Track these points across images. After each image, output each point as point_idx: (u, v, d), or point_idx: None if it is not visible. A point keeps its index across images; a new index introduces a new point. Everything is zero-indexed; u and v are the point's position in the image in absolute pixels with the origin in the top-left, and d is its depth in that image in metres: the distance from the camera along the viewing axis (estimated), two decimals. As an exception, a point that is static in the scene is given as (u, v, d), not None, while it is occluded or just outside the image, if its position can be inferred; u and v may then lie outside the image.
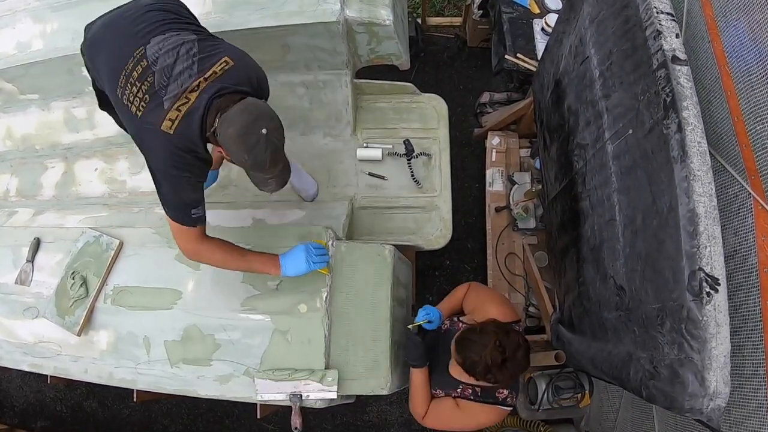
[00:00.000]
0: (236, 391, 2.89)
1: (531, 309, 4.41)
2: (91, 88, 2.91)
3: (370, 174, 3.79)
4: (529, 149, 4.79)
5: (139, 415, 5.32)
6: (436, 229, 3.75)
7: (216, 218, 3.42)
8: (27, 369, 3.19)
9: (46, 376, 3.31)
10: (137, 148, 2.49)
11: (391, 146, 3.82)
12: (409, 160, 3.78)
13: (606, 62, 2.72)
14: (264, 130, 2.27)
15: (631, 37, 2.45)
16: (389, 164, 3.82)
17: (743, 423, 2.24)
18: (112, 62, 2.50)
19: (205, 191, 2.57)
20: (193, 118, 2.34)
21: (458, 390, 2.86)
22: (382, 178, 3.79)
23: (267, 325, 2.89)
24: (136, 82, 2.39)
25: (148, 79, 2.37)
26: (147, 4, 2.60)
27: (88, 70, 2.77)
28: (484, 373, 2.50)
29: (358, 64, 3.68)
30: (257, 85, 2.53)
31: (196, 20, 2.75)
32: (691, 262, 1.95)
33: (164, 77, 2.36)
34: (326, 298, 2.88)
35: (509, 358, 2.48)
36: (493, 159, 4.74)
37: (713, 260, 1.90)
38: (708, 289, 1.89)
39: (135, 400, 3.46)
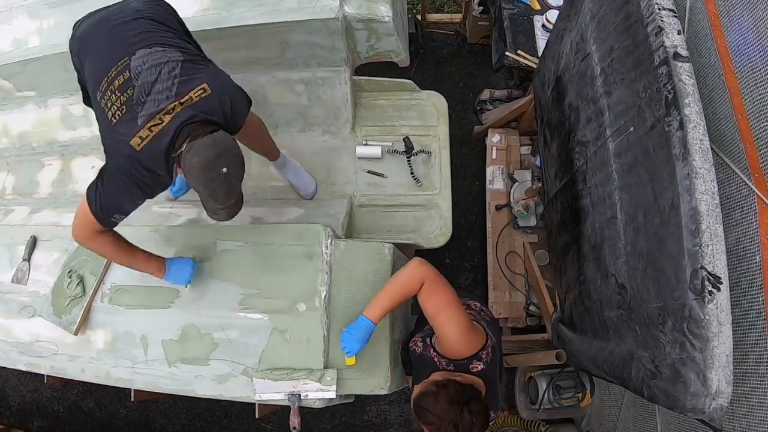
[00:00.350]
0: (234, 390, 2.88)
1: (531, 308, 4.41)
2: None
3: (369, 172, 3.78)
4: (530, 147, 4.79)
5: (136, 414, 5.32)
6: (435, 228, 3.75)
7: (215, 216, 3.42)
8: (23, 368, 3.18)
9: (43, 375, 3.31)
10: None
11: (390, 144, 3.81)
12: (408, 157, 3.78)
13: (607, 59, 2.72)
14: (225, 169, 2.32)
15: (632, 33, 2.45)
16: (389, 162, 3.81)
17: (747, 423, 2.24)
18: (96, 66, 2.56)
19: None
20: (162, 141, 2.37)
21: None
22: (382, 175, 3.78)
23: (265, 324, 2.89)
24: (117, 91, 2.43)
25: (128, 92, 2.41)
26: (137, 10, 2.63)
27: (75, 66, 2.79)
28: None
29: (357, 61, 3.68)
30: (231, 117, 2.54)
31: (185, 30, 2.80)
32: (693, 260, 1.95)
33: (143, 93, 2.40)
34: (325, 297, 2.87)
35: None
36: (494, 157, 4.74)
37: (715, 258, 1.90)
38: (710, 288, 1.89)
39: (132, 399, 3.46)
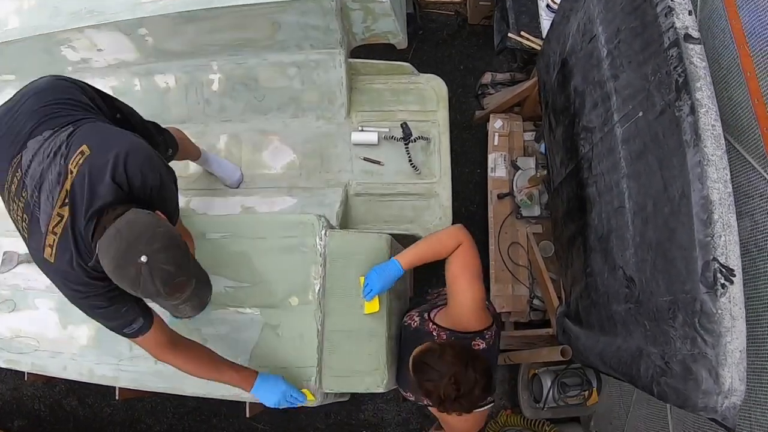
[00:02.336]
0: (224, 388, 2.89)
1: (535, 302, 4.42)
2: (71, 69, 2.87)
3: (365, 159, 3.78)
4: (534, 132, 4.78)
5: (121, 413, 5.32)
6: (435, 218, 3.75)
7: (204, 206, 3.41)
8: (2, 365, 3.18)
9: (24, 373, 3.31)
10: None
11: (387, 130, 3.81)
12: (406, 144, 3.78)
13: (614, 40, 2.71)
14: (143, 258, 1.90)
15: (641, 13, 2.44)
16: (386, 149, 3.81)
17: (762, 422, 2.24)
18: None
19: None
20: (68, 243, 2.08)
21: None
22: (378, 163, 3.78)
23: (256, 320, 2.89)
24: (15, 198, 2.17)
25: (23, 194, 2.13)
26: (27, 94, 2.37)
27: None
28: (437, 402, 2.44)
29: (353, 42, 3.67)
30: (134, 181, 2.15)
31: (96, 104, 2.50)
32: (705, 252, 1.95)
33: (36, 190, 2.11)
34: (319, 290, 2.87)
35: (464, 395, 2.39)
36: (496, 143, 4.74)
37: (728, 250, 1.90)
38: (723, 281, 1.88)
39: (117, 398, 3.46)
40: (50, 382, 5.27)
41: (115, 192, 2.08)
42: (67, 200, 2.06)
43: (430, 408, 2.81)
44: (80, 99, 2.41)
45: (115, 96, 2.72)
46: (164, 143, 3.03)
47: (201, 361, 2.54)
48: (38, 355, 3.12)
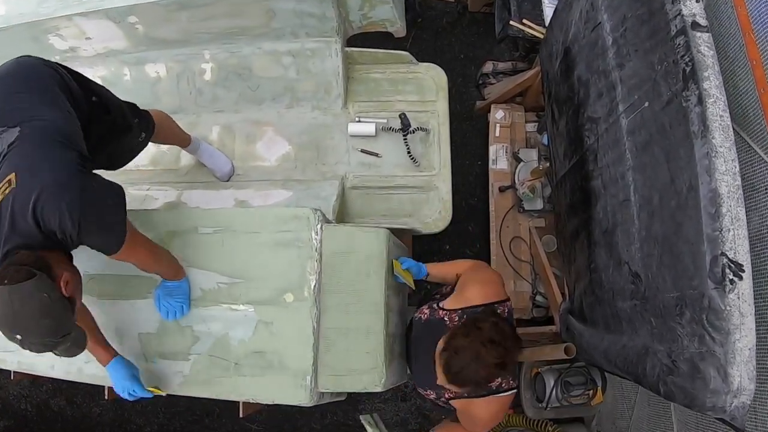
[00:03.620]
0: (217, 387, 2.89)
1: (538, 298, 4.42)
2: (58, 57, 2.87)
3: (362, 151, 3.78)
4: (536, 123, 4.78)
5: (110, 413, 5.32)
6: (434, 211, 3.75)
7: (196, 199, 3.41)
8: (-12, 364, 3.18)
9: (10, 372, 3.30)
10: None
11: (385, 121, 3.81)
12: (405, 135, 3.78)
13: (620, 28, 2.71)
14: (18, 336, 2.08)
15: (647, 0, 2.44)
16: (383, 140, 3.81)
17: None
18: None
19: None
20: None
21: (449, 393, 2.84)
22: (376, 155, 3.78)
23: (250, 316, 2.88)
24: None
25: None
26: (13, 74, 2.44)
27: None
28: (485, 378, 2.50)
29: (350, 30, 3.67)
30: (48, 212, 2.11)
31: (71, 82, 2.57)
32: (713, 246, 1.95)
33: None
34: (315, 286, 2.86)
35: (507, 351, 2.48)
36: (497, 134, 4.73)
37: (737, 244, 1.90)
38: (731, 276, 1.89)
39: (106, 397, 3.45)
40: (37, 381, 5.28)
41: (32, 231, 2.12)
42: None
43: (452, 402, 2.84)
44: (51, 87, 2.45)
45: (103, 85, 2.72)
46: (138, 126, 3.07)
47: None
48: (25, 353, 3.11)
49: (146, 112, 3.17)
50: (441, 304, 2.87)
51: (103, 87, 2.85)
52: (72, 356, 2.36)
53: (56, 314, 2.11)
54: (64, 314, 2.15)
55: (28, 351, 2.17)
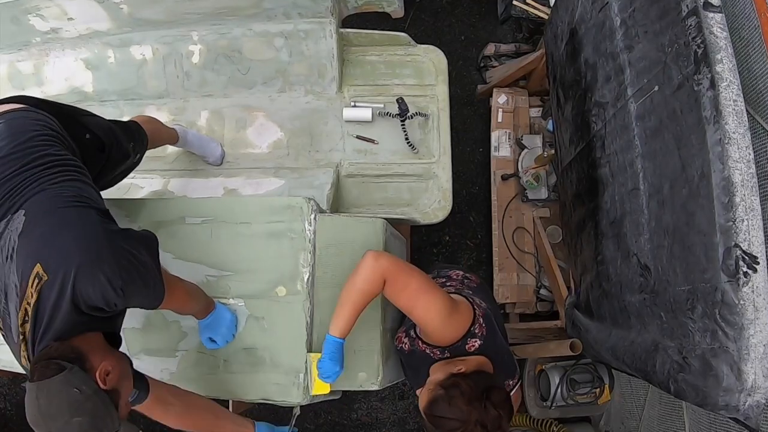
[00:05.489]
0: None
1: (543, 291, 4.43)
2: (39, 39, 2.83)
3: (358, 137, 3.78)
4: (541, 108, 4.78)
5: (94, 412, 5.32)
6: (433, 200, 3.75)
7: (183, 188, 3.40)
8: (-34, 361, 3.18)
9: (-12, 369, 3.30)
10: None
11: (382, 105, 3.80)
12: (402, 121, 3.77)
13: (628, 9, 2.70)
14: None
15: (658, -22, 2.43)
16: (380, 126, 3.80)
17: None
18: None
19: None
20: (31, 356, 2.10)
21: None
22: (372, 141, 3.77)
23: (240, 311, 2.88)
24: None
25: None
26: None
27: None
28: None
29: (345, 11, 3.66)
30: (86, 292, 2.04)
31: (60, 129, 2.43)
32: (726, 237, 1.94)
33: (3, 296, 2.11)
34: (308, 279, 2.86)
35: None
36: (500, 120, 4.73)
37: (751, 235, 1.90)
38: (745, 269, 1.88)
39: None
40: (17, 379, 5.27)
41: (67, 317, 2.03)
42: (27, 318, 2.04)
43: None
44: (44, 143, 2.31)
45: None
46: (134, 150, 3.02)
47: (199, 421, 2.63)
48: (4, 350, 3.10)
49: (138, 127, 3.09)
50: (418, 332, 2.70)
51: (94, 115, 2.76)
52: None
53: (91, 411, 1.98)
54: (102, 410, 2.01)
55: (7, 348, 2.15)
